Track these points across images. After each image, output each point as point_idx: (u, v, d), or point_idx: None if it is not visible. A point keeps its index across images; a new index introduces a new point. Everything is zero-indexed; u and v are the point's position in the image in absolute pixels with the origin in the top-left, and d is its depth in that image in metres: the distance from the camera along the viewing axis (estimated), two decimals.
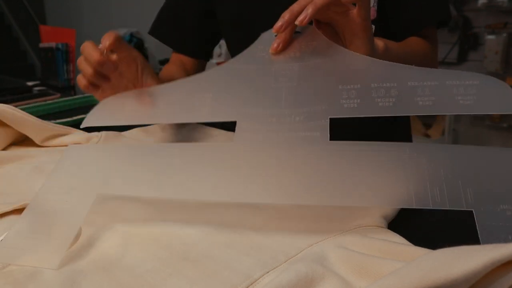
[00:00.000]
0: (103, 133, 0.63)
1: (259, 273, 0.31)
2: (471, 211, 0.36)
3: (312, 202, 0.36)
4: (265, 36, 0.47)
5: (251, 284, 0.30)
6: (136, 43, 3.09)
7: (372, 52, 0.45)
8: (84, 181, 0.39)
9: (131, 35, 3.09)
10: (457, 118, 2.14)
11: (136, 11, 3.39)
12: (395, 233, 0.37)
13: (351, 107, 0.39)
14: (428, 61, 0.66)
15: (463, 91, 0.37)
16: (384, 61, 0.42)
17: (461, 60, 2.08)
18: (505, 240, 0.32)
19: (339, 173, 0.36)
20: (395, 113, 0.38)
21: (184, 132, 0.69)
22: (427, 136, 2.10)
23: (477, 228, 0.33)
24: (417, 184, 0.35)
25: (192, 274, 0.31)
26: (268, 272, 0.31)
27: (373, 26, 0.63)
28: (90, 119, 0.47)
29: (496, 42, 1.91)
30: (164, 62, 3.16)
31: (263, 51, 0.45)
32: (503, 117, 1.96)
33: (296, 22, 0.41)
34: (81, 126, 0.47)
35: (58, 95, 1.06)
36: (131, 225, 0.38)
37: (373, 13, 0.64)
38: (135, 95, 0.48)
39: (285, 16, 0.42)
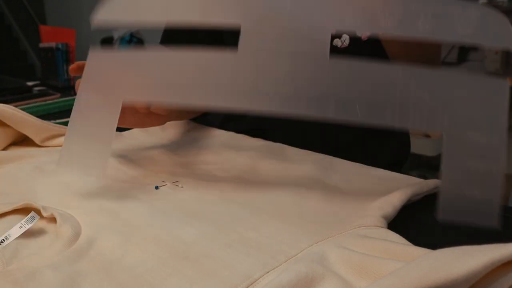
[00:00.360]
0: None
1: (259, 273, 0.31)
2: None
3: (310, 113, 0.40)
4: None
5: (251, 284, 0.30)
6: (136, 43, 3.08)
7: None
8: (110, 85, 0.44)
9: (131, 35, 3.09)
10: None
11: None
12: (395, 233, 0.37)
13: (353, 24, 0.40)
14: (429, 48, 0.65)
15: (464, 20, 0.38)
16: None
17: (461, 60, 2.08)
18: (464, 164, 0.37)
19: (336, 87, 0.40)
20: (396, 33, 0.40)
21: (184, 131, 0.69)
22: (427, 136, 2.10)
23: (442, 151, 0.37)
24: (401, 103, 0.39)
25: (192, 274, 0.31)
26: (268, 272, 0.31)
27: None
28: (102, 14, 0.48)
29: None
30: None
31: None
32: None
33: None
34: (95, 20, 0.48)
35: (58, 95, 1.06)
36: (131, 225, 0.38)
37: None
38: None
39: None
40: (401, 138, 0.76)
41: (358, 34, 0.40)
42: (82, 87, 0.45)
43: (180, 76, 0.43)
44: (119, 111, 0.43)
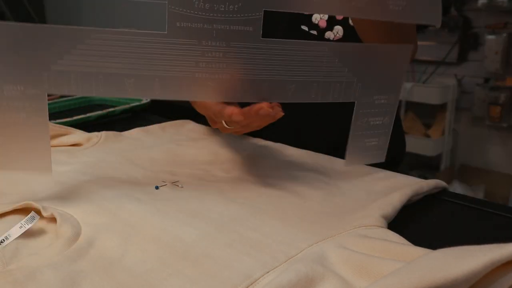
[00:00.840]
0: (103, 133, 0.63)
1: (259, 273, 0.31)
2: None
3: (245, 97, 0.41)
4: None
5: (251, 284, 0.30)
6: None
7: None
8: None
9: None
10: (457, 118, 2.14)
11: (136, 11, 3.39)
12: (395, 233, 0.37)
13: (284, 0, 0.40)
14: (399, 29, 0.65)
15: None
16: None
17: (461, 60, 2.08)
18: (368, 121, 0.46)
19: (268, 67, 0.41)
20: (330, 11, 0.43)
21: (184, 131, 0.69)
22: (427, 136, 2.10)
23: (353, 116, 0.46)
24: (324, 80, 0.43)
25: (192, 274, 0.31)
26: (268, 272, 0.31)
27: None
28: None
29: (496, 42, 1.91)
30: None
31: None
32: (503, 117, 1.96)
33: None
34: None
35: (58, 95, 1.06)
36: (131, 225, 0.38)
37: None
38: None
39: None
40: (396, 137, 0.76)
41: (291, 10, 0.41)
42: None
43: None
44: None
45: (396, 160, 0.75)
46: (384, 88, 0.45)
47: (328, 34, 0.64)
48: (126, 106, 0.84)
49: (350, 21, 0.64)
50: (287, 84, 0.42)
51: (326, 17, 0.64)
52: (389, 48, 0.45)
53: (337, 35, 0.64)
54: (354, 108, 0.45)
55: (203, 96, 0.42)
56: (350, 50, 0.43)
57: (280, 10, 0.40)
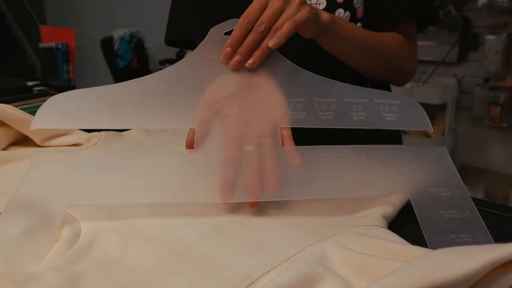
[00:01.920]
0: (103, 133, 0.63)
1: (259, 272, 0.31)
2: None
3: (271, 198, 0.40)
4: (214, 33, 0.47)
5: (252, 283, 0.30)
6: (136, 43, 3.08)
7: (318, 24, 0.49)
8: (52, 193, 0.39)
9: (131, 35, 3.09)
10: (457, 118, 2.14)
11: (136, 11, 3.39)
12: (395, 234, 0.37)
13: (298, 118, 0.43)
14: (400, 53, 0.66)
15: (388, 108, 0.45)
16: (326, 78, 0.45)
17: (461, 60, 2.08)
18: (435, 214, 0.39)
19: (294, 172, 0.41)
20: (334, 125, 0.43)
21: (184, 131, 0.69)
22: (427, 136, 2.10)
23: (414, 209, 0.39)
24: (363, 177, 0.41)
25: (192, 274, 0.31)
26: (268, 272, 0.31)
27: (360, 24, 0.65)
28: (38, 120, 0.43)
29: (496, 42, 1.91)
30: (164, 62, 3.16)
31: (213, 51, 0.45)
32: (503, 117, 1.96)
33: (247, 66, 0.44)
34: (31, 128, 0.43)
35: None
36: (131, 225, 0.38)
37: (360, 12, 0.65)
38: (85, 95, 0.46)
39: (235, 48, 0.44)
40: (392, 136, 0.76)
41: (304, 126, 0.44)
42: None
43: (130, 177, 0.41)
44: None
45: None
46: (440, 182, 0.41)
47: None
48: None
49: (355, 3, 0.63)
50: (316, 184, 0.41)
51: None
52: (424, 151, 0.43)
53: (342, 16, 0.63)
54: (412, 202, 0.40)
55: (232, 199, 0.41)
56: (381, 153, 0.43)
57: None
